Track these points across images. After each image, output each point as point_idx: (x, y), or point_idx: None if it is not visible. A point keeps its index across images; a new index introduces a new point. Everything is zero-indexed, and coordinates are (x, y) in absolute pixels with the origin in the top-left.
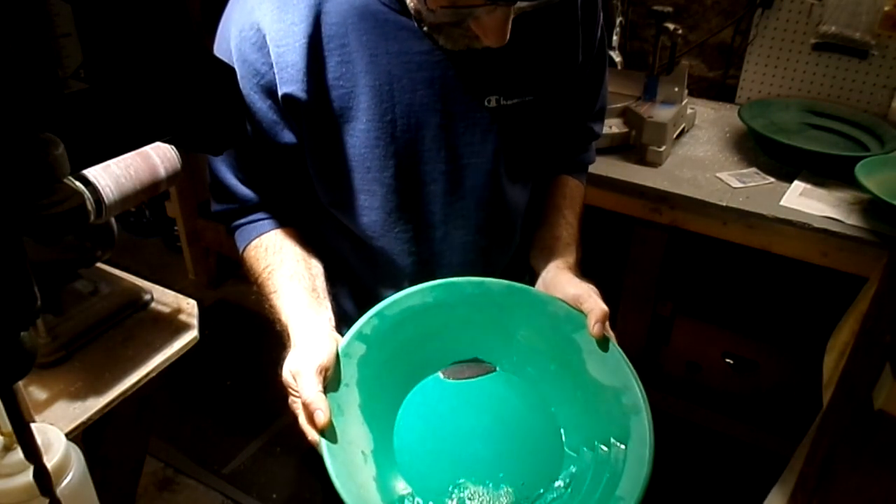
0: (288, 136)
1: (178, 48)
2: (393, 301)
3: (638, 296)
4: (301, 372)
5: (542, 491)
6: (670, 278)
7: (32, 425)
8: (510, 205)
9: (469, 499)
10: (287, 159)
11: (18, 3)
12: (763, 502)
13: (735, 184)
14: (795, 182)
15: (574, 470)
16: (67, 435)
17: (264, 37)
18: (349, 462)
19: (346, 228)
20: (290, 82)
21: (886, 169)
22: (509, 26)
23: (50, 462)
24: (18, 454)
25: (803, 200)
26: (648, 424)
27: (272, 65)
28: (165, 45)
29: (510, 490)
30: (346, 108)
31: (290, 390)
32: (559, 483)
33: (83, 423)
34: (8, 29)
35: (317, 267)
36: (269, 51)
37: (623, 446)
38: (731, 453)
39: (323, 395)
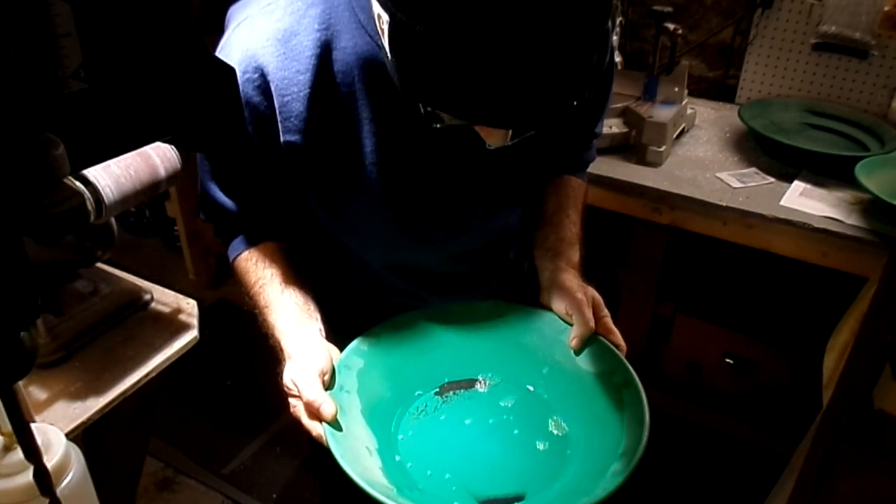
0: (287, 173)
1: (178, 48)
2: (387, 322)
3: (638, 296)
4: (301, 377)
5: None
6: (670, 278)
7: (32, 425)
8: (508, 228)
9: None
10: (286, 189)
11: (18, 3)
12: (763, 502)
13: (735, 184)
14: (795, 182)
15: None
16: (67, 435)
17: (268, 83)
18: (355, 451)
19: (346, 246)
20: (294, 132)
21: (886, 169)
22: (509, 134)
23: (50, 462)
24: (18, 454)
25: (803, 200)
26: (642, 393)
27: (275, 110)
28: (165, 45)
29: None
30: (348, 156)
31: (291, 395)
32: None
33: (83, 423)
34: (8, 29)
35: (306, 281)
36: (272, 96)
37: (621, 415)
38: (731, 453)
39: (326, 394)
